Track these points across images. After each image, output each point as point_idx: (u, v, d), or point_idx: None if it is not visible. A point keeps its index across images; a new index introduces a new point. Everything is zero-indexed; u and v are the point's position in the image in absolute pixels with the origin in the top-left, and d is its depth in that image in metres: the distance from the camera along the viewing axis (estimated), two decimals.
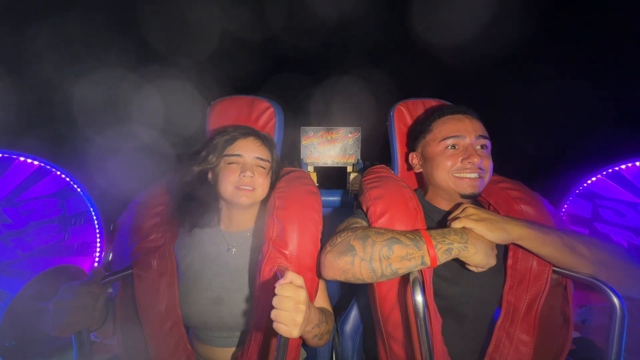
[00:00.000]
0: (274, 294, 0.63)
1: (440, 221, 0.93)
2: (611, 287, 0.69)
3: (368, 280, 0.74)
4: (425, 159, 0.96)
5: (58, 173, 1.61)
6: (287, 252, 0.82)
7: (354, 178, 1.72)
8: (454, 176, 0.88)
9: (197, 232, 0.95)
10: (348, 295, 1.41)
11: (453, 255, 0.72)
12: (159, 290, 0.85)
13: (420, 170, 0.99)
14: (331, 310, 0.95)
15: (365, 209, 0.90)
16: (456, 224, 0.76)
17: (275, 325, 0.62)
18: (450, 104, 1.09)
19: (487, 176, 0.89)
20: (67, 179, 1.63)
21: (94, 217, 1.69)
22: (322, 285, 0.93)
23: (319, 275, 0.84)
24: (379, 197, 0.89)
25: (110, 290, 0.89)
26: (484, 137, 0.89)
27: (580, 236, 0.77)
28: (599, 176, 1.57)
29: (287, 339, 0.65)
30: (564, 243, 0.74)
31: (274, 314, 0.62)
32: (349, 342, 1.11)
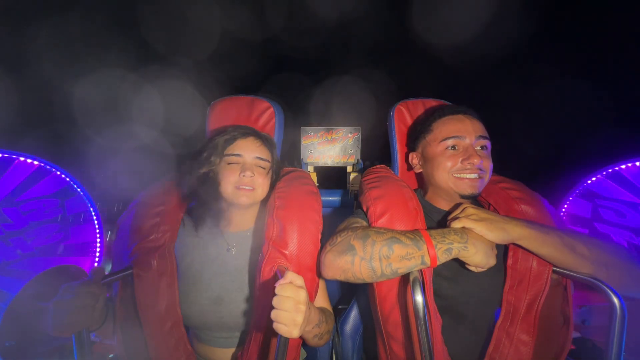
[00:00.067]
0: (274, 294, 0.63)
1: (440, 221, 0.93)
2: (611, 287, 0.69)
3: (368, 280, 0.74)
4: (425, 159, 0.96)
5: (58, 173, 1.61)
6: (287, 252, 0.82)
7: (354, 178, 1.72)
8: (454, 177, 0.88)
9: (197, 231, 0.95)
10: (348, 295, 1.41)
11: (453, 255, 0.72)
12: (159, 290, 0.85)
13: (420, 170, 0.99)
14: (331, 310, 0.95)
15: (365, 209, 0.90)
16: (456, 224, 0.76)
17: (275, 326, 0.62)
18: (450, 104, 1.09)
19: (487, 177, 0.89)
20: (67, 179, 1.63)
21: (94, 217, 1.69)
22: (322, 285, 0.93)
23: (319, 274, 0.84)
24: (379, 197, 0.88)
25: (110, 290, 0.89)
26: (484, 138, 0.89)
27: (580, 236, 0.77)
28: (599, 176, 1.57)
29: (287, 339, 0.65)
30: (564, 243, 0.74)
31: (274, 314, 0.62)
32: (349, 342, 1.10)
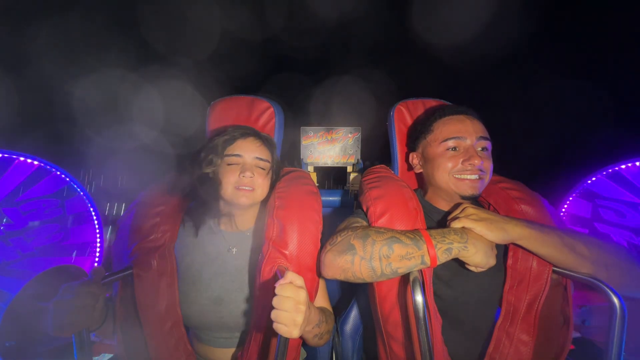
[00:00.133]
0: (274, 294, 0.63)
1: (440, 221, 0.93)
2: (611, 287, 0.69)
3: (368, 280, 0.74)
4: (425, 160, 0.96)
5: (58, 173, 1.61)
6: (287, 252, 0.82)
7: (354, 178, 1.71)
8: (455, 177, 0.88)
9: (197, 231, 0.95)
10: (348, 295, 1.41)
11: (453, 255, 0.72)
12: (159, 290, 0.84)
13: (421, 170, 0.99)
14: (331, 310, 0.95)
15: (365, 209, 0.90)
16: (456, 224, 0.76)
17: (275, 326, 0.62)
18: (450, 104, 1.09)
19: (487, 177, 0.89)
20: (67, 179, 1.63)
21: (94, 217, 1.69)
22: (322, 284, 0.93)
23: (319, 274, 0.84)
24: (379, 197, 0.88)
25: (110, 290, 0.89)
26: (485, 139, 0.89)
27: (580, 236, 0.77)
28: (599, 176, 1.57)
29: (287, 339, 0.64)
30: (563, 243, 0.74)
31: (274, 315, 0.62)
32: (349, 342, 1.10)
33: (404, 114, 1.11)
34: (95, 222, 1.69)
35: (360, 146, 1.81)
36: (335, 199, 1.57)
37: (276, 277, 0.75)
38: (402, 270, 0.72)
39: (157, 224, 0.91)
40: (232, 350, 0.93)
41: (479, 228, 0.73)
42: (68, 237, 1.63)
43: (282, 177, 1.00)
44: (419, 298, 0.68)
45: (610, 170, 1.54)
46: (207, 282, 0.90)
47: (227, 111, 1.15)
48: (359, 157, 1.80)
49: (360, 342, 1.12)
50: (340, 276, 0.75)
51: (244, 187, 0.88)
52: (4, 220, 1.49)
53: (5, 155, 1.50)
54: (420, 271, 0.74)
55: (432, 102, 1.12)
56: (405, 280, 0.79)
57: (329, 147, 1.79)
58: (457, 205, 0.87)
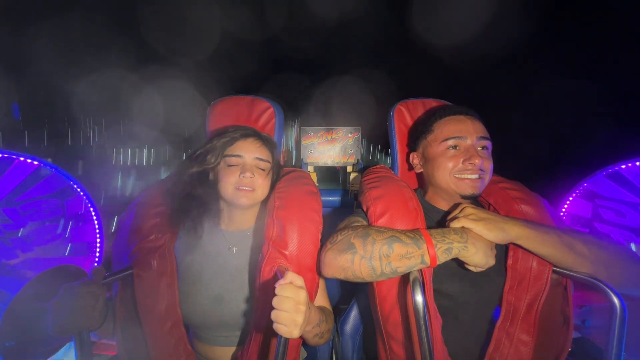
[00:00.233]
0: (274, 295, 0.63)
1: (439, 221, 0.93)
2: (611, 287, 0.69)
3: (367, 279, 0.74)
4: (426, 160, 0.96)
5: (58, 173, 1.61)
6: (287, 252, 0.82)
7: (354, 178, 1.71)
8: (455, 177, 0.88)
9: (197, 231, 0.95)
10: (348, 295, 1.41)
11: (453, 254, 0.72)
12: (159, 290, 0.84)
13: (421, 170, 0.99)
14: (331, 309, 0.95)
15: (365, 209, 0.90)
16: (455, 224, 0.76)
17: (276, 326, 0.62)
18: (450, 104, 1.09)
19: (488, 177, 0.89)
20: (67, 179, 1.63)
21: (94, 217, 1.69)
22: (321, 284, 0.93)
23: (319, 273, 0.84)
24: (379, 197, 0.88)
25: (110, 290, 0.89)
26: (485, 138, 0.89)
27: (579, 235, 0.77)
28: (599, 176, 1.57)
29: (287, 339, 0.64)
30: (563, 242, 0.74)
31: (274, 315, 0.62)
32: (349, 342, 1.10)
33: (404, 114, 1.11)
34: (95, 222, 1.69)
35: (360, 146, 1.81)
36: (335, 199, 1.57)
37: (276, 277, 0.75)
38: (402, 270, 0.72)
39: (157, 224, 0.91)
40: (232, 349, 0.93)
41: (478, 228, 0.74)
42: (68, 237, 1.63)
43: (282, 177, 1.00)
44: (419, 298, 0.68)
45: (610, 170, 1.54)
46: (208, 281, 0.90)
47: (227, 111, 1.15)
48: (359, 157, 1.80)
49: (360, 342, 1.12)
50: (340, 275, 0.75)
51: (244, 188, 0.88)
52: (4, 220, 1.49)
53: (5, 156, 1.50)
54: (420, 271, 0.74)
55: (432, 102, 1.12)
56: (405, 280, 0.79)
57: (329, 147, 1.79)
58: (456, 205, 0.87)
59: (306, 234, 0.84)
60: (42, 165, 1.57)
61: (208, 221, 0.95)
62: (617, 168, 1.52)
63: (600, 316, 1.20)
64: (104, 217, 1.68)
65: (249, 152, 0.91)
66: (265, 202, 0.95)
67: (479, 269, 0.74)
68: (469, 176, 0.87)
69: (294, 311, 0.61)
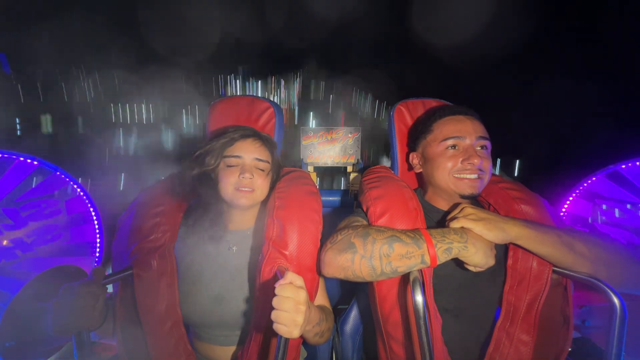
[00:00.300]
0: (274, 295, 0.63)
1: (439, 221, 0.93)
2: (611, 287, 0.69)
3: (367, 279, 0.74)
4: (425, 159, 0.96)
5: (58, 173, 1.61)
6: (287, 252, 0.82)
7: (354, 178, 1.71)
8: (454, 177, 0.88)
9: (197, 231, 0.95)
10: (348, 295, 1.41)
11: (453, 254, 0.72)
12: (159, 290, 0.84)
13: (421, 170, 0.99)
14: (330, 308, 0.95)
15: (365, 209, 0.90)
16: (455, 224, 0.76)
17: (276, 326, 0.62)
18: (450, 104, 1.09)
19: (487, 177, 0.89)
20: (67, 179, 1.63)
21: (94, 217, 1.69)
22: (321, 283, 0.93)
23: (319, 272, 0.84)
24: (379, 197, 0.88)
25: (110, 291, 0.89)
26: (484, 138, 0.89)
27: (579, 235, 0.77)
28: (599, 176, 1.57)
29: (287, 339, 0.64)
30: (562, 242, 0.74)
31: (274, 315, 0.62)
32: (349, 342, 1.10)
33: (404, 114, 1.11)
34: (95, 222, 1.69)
35: (360, 146, 1.81)
36: (335, 199, 1.57)
37: (276, 278, 0.75)
38: (402, 270, 0.72)
39: (157, 224, 0.91)
40: (232, 348, 0.93)
41: (478, 228, 0.74)
42: (68, 237, 1.63)
43: (282, 177, 1.00)
44: (419, 298, 0.68)
45: (610, 170, 1.54)
46: (208, 280, 0.90)
47: (227, 111, 1.15)
48: (359, 157, 1.80)
49: (360, 342, 1.12)
50: (340, 275, 0.75)
51: (244, 189, 0.88)
52: (4, 220, 1.49)
53: (5, 156, 1.50)
54: (421, 271, 0.74)
55: (432, 102, 1.12)
56: (405, 280, 0.79)
57: (329, 147, 1.79)
58: (456, 205, 0.87)
59: (306, 234, 0.84)
60: (42, 165, 1.57)
61: (209, 221, 0.95)
62: (617, 168, 1.52)
63: (600, 316, 1.20)
64: (104, 218, 1.68)
65: (248, 153, 0.91)
66: (265, 202, 0.95)
67: (478, 269, 0.74)
68: (468, 176, 0.87)
69: (294, 311, 0.61)
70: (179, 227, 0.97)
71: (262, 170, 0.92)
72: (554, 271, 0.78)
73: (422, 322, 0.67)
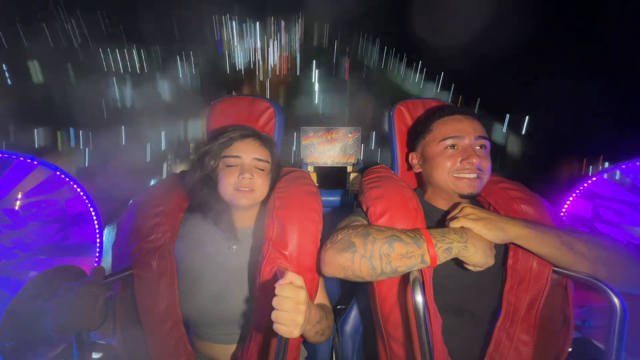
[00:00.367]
0: (274, 295, 0.63)
1: (439, 221, 0.93)
2: (611, 287, 0.69)
3: (367, 278, 0.74)
4: (425, 159, 0.96)
5: (58, 173, 1.61)
6: (287, 252, 0.82)
7: (354, 178, 1.71)
8: (453, 176, 0.88)
9: (197, 230, 0.95)
10: (348, 295, 1.41)
11: (453, 254, 0.72)
12: (159, 290, 0.85)
13: (420, 170, 0.99)
14: (330, 307, 0.95)
15: (365, 209, 0.90)
16: (454, 224, 0.76)
17: (276, 326, 0.62)
18: (450, 104, 1.09)
19: (486, 177, 0.89)
20: (67, 179, 1.63)
21: (94, 217, 1.68)
22: (321, 282, 0.93)
23: (319, 272, 0.84)
24: (379, 197, 0.88)
25: (110, 290, 0.89)
26: (483, 138, 0.89)
27: (579, 235, 0.77)
28: (599, 176, 1.57)
29: (287, 339, 0.64)
30: (562, 242, 0.74)
31: (274, 315, 0.62)
32: (349, 342, 1.10)
33: (404, 114, 1.11)
34: (95, 222, 1.69)
35: (360, 146, 1.81)
36: (335, 199, 1.57)
37: (276, 278, 0.75)
38: (402, 269, 0.72)
39: (157, 224, 0.91)
40: (233, 346, 0.93)
41: (477, 228, 0.74)
42: (68, 237, 1.63)
43: (282, 177, 1.00)
44: (419, 298, 0.68)
45: (610, 170, 1.54)
46: (208, 279, 0.91)
47: (227, 111, 1.15)
48: (359, 157, 1.80)
49: (360, 342, 1.12)
50: (340, 274, 0.75)
51: (244, 189, 0.88)
52: (4, 220, 1.49)
53: (5, 156, 1.50)
54: (421, 271, 0.74)
55: (432, 102, 1.12)
56: (405, 280, 0.79)
57: (329, 147, 1.79)
58: (456, 205, 0.87)
59: (306, 234, 0.84)
60: (42, 165, 1.57)
61: (208, 221, 0.95)
62: (617, 168, 1.52)
63: (600, 316, 1.20)
64: (104, 218, 1.68)
65: (247, 153, 0.91)
66: (265, 201, 0.95)
67: (478, 269, 0.74)
68: (467, 175, 0.87)
69: (294, 311, 0.61)
70: (179, 227, 0.97)
71: (262, 170, 0.92)
72: (554, 271, 0.78)
73: (422, 322, 0.67)
